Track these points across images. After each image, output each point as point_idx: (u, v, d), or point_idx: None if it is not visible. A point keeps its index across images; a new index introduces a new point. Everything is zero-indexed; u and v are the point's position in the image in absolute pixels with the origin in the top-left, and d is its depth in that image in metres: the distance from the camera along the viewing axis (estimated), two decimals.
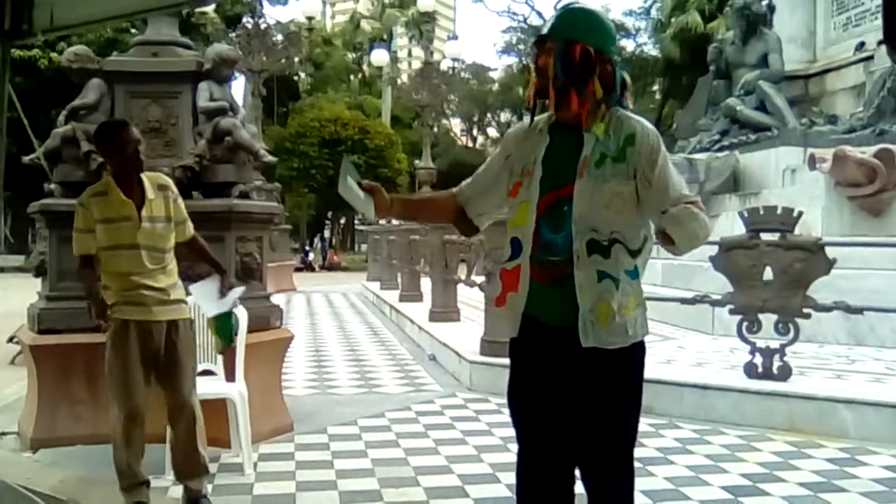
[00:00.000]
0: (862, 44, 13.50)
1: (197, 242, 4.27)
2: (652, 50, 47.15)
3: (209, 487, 4.36)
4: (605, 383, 2.60)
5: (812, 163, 10.38)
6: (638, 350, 2.66)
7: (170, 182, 4.13)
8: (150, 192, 3.95)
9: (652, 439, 5.54)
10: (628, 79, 2.67)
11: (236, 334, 4.47)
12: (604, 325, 2.54)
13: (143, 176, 3.98)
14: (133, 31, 23.27)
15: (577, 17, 2.66)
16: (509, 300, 2.67)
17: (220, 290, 4.23)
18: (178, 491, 4.24)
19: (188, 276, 4.33)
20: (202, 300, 4.26)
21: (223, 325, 4.29)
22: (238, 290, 4.34)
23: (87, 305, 4.05)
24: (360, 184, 2.66)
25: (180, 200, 4.13)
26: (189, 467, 4.09)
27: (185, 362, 4.05)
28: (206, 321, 4.44)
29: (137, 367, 3.89)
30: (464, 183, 2.88)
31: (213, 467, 4.67)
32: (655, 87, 49.88)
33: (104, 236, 3.88)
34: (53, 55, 26.83)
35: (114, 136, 3.91)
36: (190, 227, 4.19)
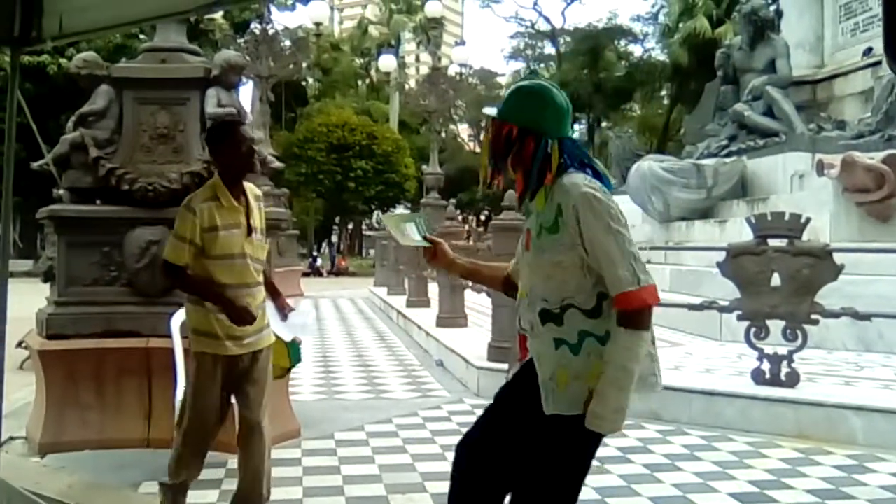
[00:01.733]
0: (870, 49, 13.47)
1: (269, 259, 4.11)
2: (660, 55, 47.15)
3: (216, 493, 4.37)
4: (550, 444, 2.58)
5: (820, 168, 10.35)
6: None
7: (261, 194, 3.96)
8: (252, 201, 3.81)
9: (659, 446, 5.53)
10: (577, 147, 2.66)
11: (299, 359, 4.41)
12: (561, 390, 2.53)
13: (244, 184, 3.82)
14: (142, 37, 23.37)
15: (512, 95, 2.70)
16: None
17: (282, 312, 4.08)
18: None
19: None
20: (274, 322, 4.02)
21: (293, 349, 4.22)
22: (307, 313, 4.13)
23: (231, 314, 3.67)
24: (425, 237, 2.90)
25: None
26: (255, 490, 3.86)
27: (264, 384, 3.89)
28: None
29: (219, 391, 3.76)
30: (513, 264, 2.96)
31: (220, 472, 4.69)
32: (663, 93, 49.84)
33: (213, 245, 3.64)
34: (63, 61, 26.94)
35: (227, 134, 3.75)
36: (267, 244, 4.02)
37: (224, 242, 3.65)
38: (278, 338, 4.08)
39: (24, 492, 4.14)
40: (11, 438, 5.42)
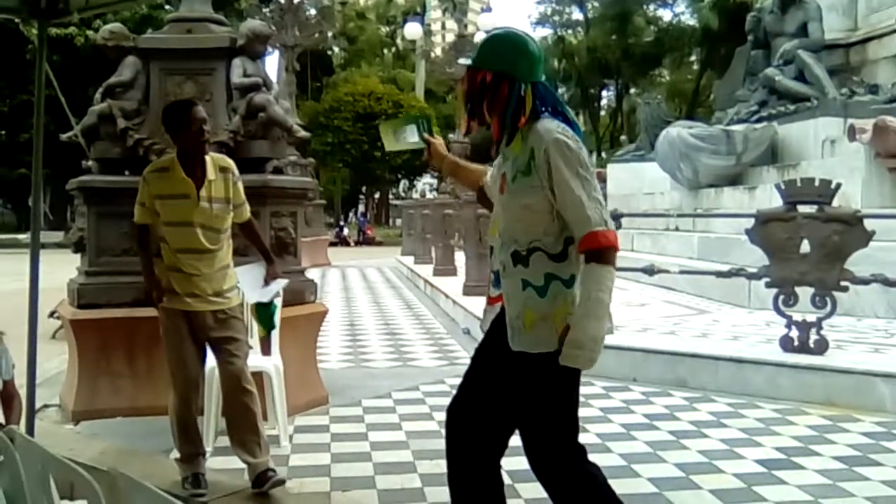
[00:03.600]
0: None
1: (252, 226, 4.33)
2: (689, 19, 46.53)
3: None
4: (525, 385, 2.69)
5: (852, 133, 10.21)
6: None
7: (232, 164, 4.14)
8: (210, 173, 3.99)
9: (686, 413, 5.52)
10: (550, 92, 2.76)
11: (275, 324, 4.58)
12: (528, 330, 2.64)
13: (208, 157, 4.02)
14: (168, 7, 23.38)
15: (485, 44, 2.82)
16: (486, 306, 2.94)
17: (265, 279, 4.29)
18: (219, 462, 4.31)
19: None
20: (245, 285, 4.28)
21: (263, 314, 4.39)
22: (281, 283, 4.40)
23: (145, 286, 4.18)
24: (423, 138, 3.06)
25: (240, 183, 4.14)
26: (254, 441, 3.97)
27: (239, 342, 4.08)
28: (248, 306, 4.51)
29: (190, 342, 4.00)
30: (489, 173, 3.07)
31: None
32: (693, 58, 49.21)
33: (162, 211, 3.95)
34: (90, 33, 27.06)
35: (179, 114, 3.96)
36: (247, 210, 4.21)
37: (170, 210, 3.94)
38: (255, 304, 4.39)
39: (60, 457, 4.23)
40: (45, 406, 5.52)
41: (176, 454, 4.12)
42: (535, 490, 3.92)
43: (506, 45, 2.75)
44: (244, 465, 3.96)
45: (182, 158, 3.97)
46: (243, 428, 3.97)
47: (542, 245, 2.64)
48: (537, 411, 2.70)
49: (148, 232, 4.09)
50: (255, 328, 4.66)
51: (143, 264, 4.14)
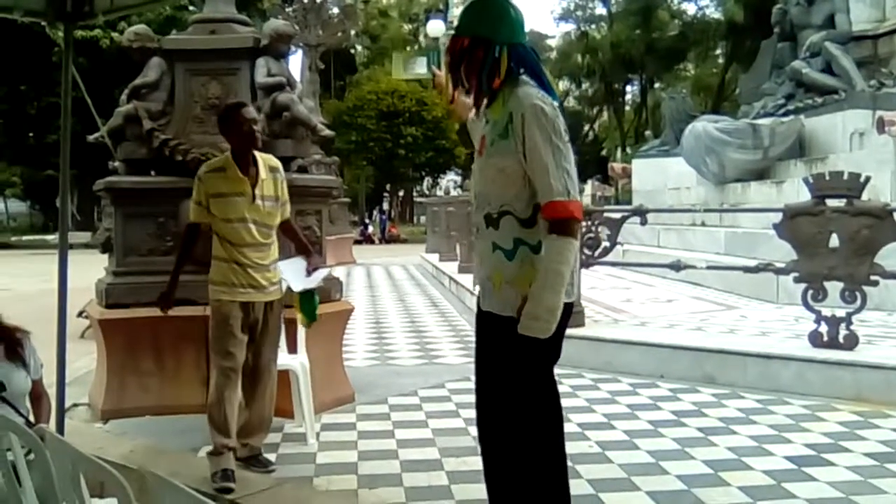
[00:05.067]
0: None
1: (291, 223, 4.51)
2: (714, 12, 46.11)
3: (273, 457, 4.45)
4: (493, 346, 2.82)
5: (881, 126, 10.10)
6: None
7: (279, 164, 4.38)
8: (262, 172, 4.21)
9: (714, 409, 5.48)
10: (529, 54, 2.82)
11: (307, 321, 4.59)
12: (496, 291, 2.74)
13: (258, 156, 4.23)
14: (191, 8, 23.53)
15: (464, 12, 2.92)
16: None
17: (307, 269, 4.40)
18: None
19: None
20: (289, 276, 4.39)
21: (307, 303, 4.43)
22: (324, 271, 4.57)
23: (165, 287, 4.28)
24: (430, 69, 3.24)
25: (285, 182, 4.38)
26: (258, 426, 4.34)
27: (275, 334, 4.37)
28: (293, 297, 4.53)
29: (241, 335, 4.14)
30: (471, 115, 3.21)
31: (276, 437, 4.78)
32: (718, 52, 48.81)
33: (218, 209, 4.12)
34: (115, 35, 27.27)
35: (230, 116, 4.17)
36: (288, 209, 4.44)
37: (226, 207, 4.12)
38: (296, 294, 4.44)
39: (90, 456, 4.27)
40: (75, 405, 5.58)
41: (206, 448, 4.16)
42: None
43: (482, 11, 2.84)
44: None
45: (236, 158, 4.17)
46: (257, 414, 4.30)
47: (512, 209, 2.71)
48: (501, 373, 2.81)
49: (198, 232, 4.25)
50: (301, 321, 4.69)
51: (177, 263, 4.29)
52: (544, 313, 2.60)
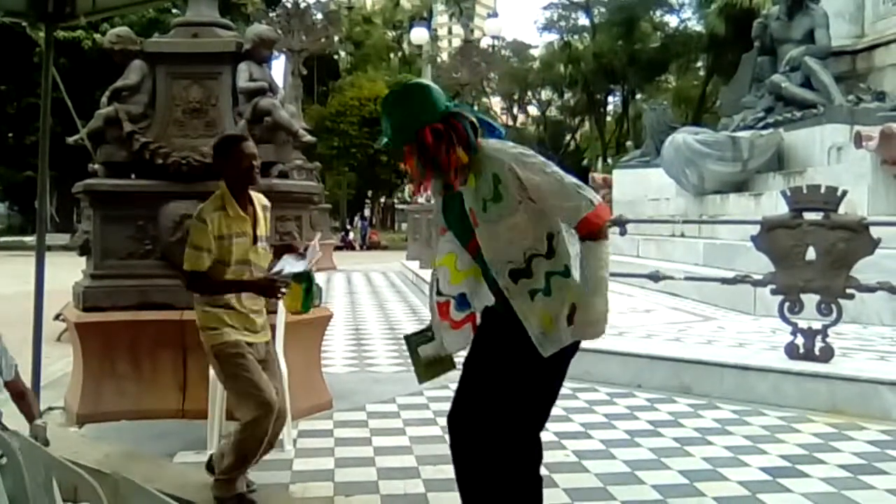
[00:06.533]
0: None
1: None
2: (696, 25, 46.47)
3: (287, 475, 4.39)
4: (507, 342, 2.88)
5: (858, 141, 10.19)
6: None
7: (268, 203, 4.11)
8: (259, 211, 3.95)
9: (690, 420, 5.51)
10: (470, 116, 2.83)
11: (315, 302, 4.34)
12: (552, 332, 2.76)
13: (252, 193, 3.95)
14: (174, 11, 23.45)
15: (389, 126, 2.88)
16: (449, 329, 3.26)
17: (297, 255, 4.05)
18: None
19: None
20: (286, 266, 3.99)
21: (303, 287, 4.03)
22: (315, 249, 4.08)
23: (261, 285, 3.86)
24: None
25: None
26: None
27: (276, 364, 4.14)
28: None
29: (258, 370, 3.86)
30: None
31: (290, 453, 4.73)
32: (699, 64, 49.16)
33: (224, 252, 3.79)
34: (97, 36, 27.14)
35: (230, 150, 3.86)
36: None
37: (228, 249, 3.80)
38: (294, 282, 4.04)
39: (63, 460, 4.24)
40: (50, 409, 5.52)
41: (186, 456, 4.10)
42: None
43: (396, 114, 2.85)
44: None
45: (234, 194, 3.84)
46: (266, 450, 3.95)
47: (535, 251, 2.75)
48: (503, 366, 2.90)
49: (209, 278, 3.82)
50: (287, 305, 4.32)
51: (234, 287, 3.87)
52: (600, 317, 2.78)
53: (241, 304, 3.87)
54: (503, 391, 2.89)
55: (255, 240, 3.88)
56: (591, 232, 2.76)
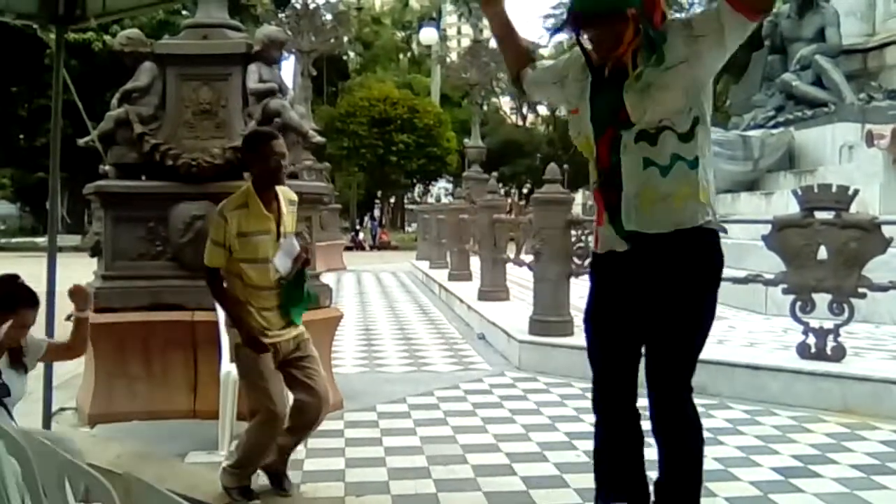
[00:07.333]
0: None
1: None
2: None
3: (299, 475, 4.38)
4: (655, 270, 2.76)
5: (870, 139, 10.15)
6: (687, 237, 2.73)
7: (296, 197, 4.05)
8: (283, 207, 3.90)
9: (702, 420, 5.45)
10: None
11: (309, 305, 4.22)
12: (646, 210, 2.69)
13: (278, 189, 3.91)
14: (184, 13, 23.52)
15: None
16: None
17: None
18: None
19: None
20: (279, 261, 3.91)
21: (292, 286, 3.96)
22: (291, 238, 3.95)
23: (245, 335, 3.80)
24: None
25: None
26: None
27: (314, 354, 4.02)
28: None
29: (275, 378, 3.83)
30: (536, 65, 3.21)
31: (300, 453, 4.69)
32: None
33: (244, 248, 3.77)
34: (107, 38, 27.23)
35: (259, 147, 3.83)
36: None
37: (253, 247, 3.77)
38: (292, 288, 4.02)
39: (75, 461, 4.25)
40: (62, 409, 5.55)
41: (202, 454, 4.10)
42: (552, 497, 3.92)
43: None
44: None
45: (258, 191, 3.82)
46: (304, 435, 4.06)
47: (671, 124, 2.67)
48: (664, 296, 2.79)
49: (220, 276, 3.86)
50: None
51: (231, 312, 3.88)
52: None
53: (262, 302, 3.84)
54: (690, 333, 2.97)
55: (278, 237, 3.84)
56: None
